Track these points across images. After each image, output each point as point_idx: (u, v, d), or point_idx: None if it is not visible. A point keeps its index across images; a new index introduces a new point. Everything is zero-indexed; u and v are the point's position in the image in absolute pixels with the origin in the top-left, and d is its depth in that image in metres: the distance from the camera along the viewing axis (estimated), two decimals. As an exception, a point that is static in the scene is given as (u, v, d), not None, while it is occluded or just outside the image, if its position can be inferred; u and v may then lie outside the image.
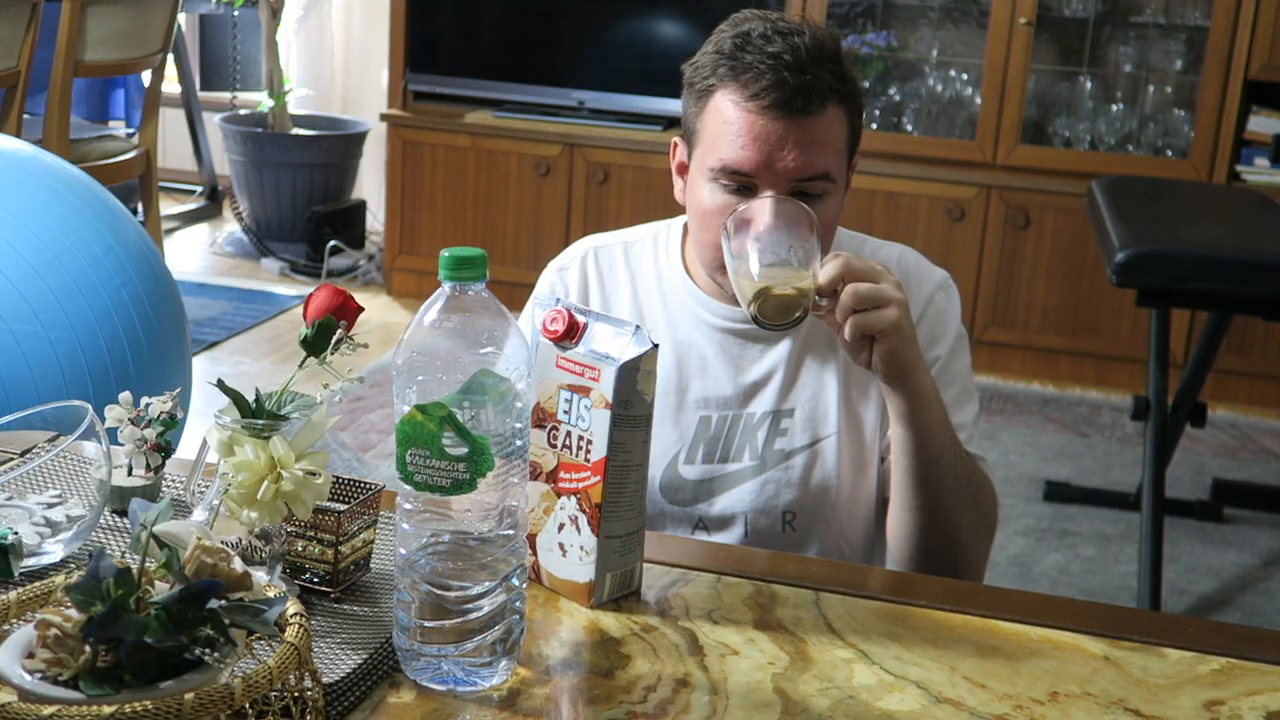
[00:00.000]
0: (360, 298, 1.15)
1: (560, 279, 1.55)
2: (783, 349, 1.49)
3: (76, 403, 1.19)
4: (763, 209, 1.33)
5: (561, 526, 1.16)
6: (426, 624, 1.01)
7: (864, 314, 1.27)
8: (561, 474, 1.16)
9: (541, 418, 1.16)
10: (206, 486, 1.13)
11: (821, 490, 1.49)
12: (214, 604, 0.84)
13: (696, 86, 1.41)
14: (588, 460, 1.14)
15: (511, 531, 1.02)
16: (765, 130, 1.35)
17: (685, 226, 1.53)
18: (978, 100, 4.32)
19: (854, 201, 4.46)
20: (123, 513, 1.25)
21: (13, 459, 1.33)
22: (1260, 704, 1.07)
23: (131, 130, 5.00)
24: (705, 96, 1.40)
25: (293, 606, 0.90)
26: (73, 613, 0.83)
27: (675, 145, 1.49)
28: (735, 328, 1.49)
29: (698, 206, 1.42)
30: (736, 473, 1.48)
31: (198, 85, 5.47)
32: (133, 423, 1.26)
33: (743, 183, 1.38)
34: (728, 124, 1.37)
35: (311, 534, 1.12)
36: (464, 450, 0.98)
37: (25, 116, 3.75)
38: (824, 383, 1.49)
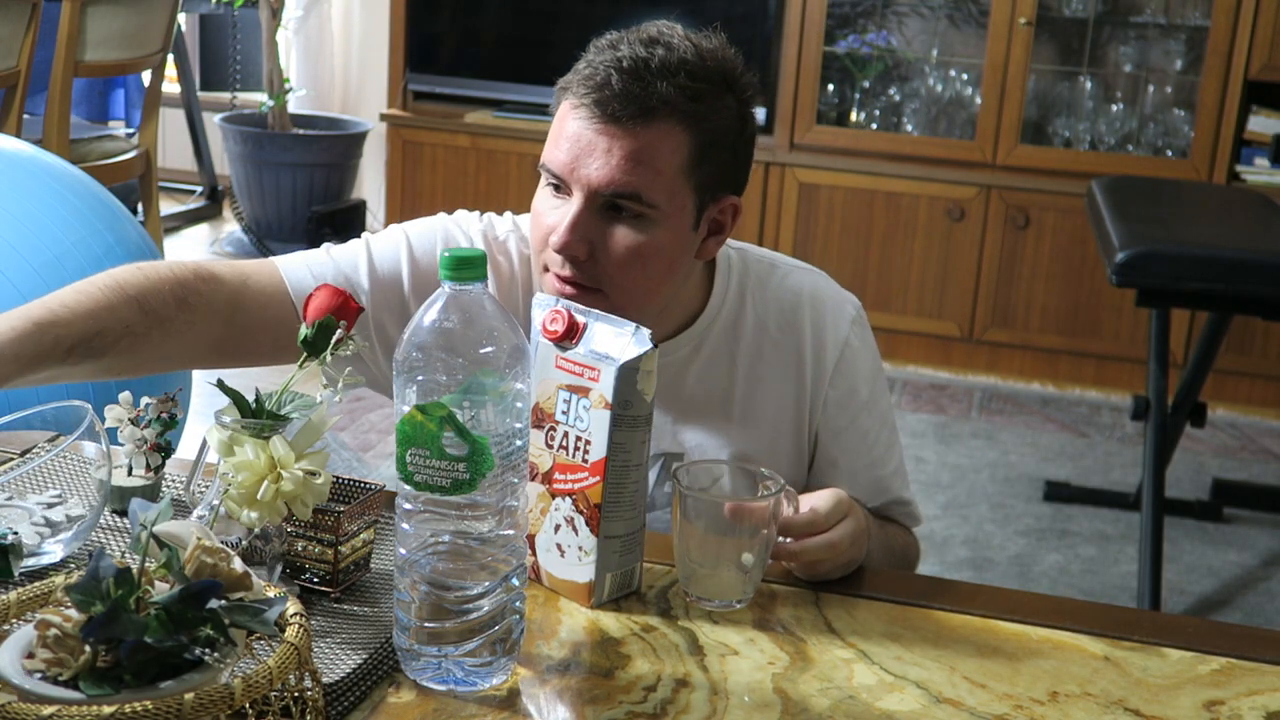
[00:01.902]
0: (360, 298, 1.15)
1: (496, 254, 1.43)
2: (673, 391, 1.40)
3: (76, 403, 1.19)
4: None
5: (558, 527, 1.16)
6: (426, 624, 1.01)
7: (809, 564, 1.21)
8: (556, 475, 1.16)
9: (540, 418, 1.16)
10: (206, 486, 1.13)
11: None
12: (214, 604, 0.84)
13: (559, 84, 1.33)
14: (585, 461, 1.14)
15: (511, 531, 1.02)
16: (577, 133, 1.26)
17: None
18: (978, 100, 4.32)
19: (854, 201, 4.49)
20: (123, 513, 1.25)
21: (13, 459, 1.33)
22: (1260, 704, 1.07)
23: (131, 130, 5.00)
24: (561, 94, 1.31)
25: (293, 606, 0.90)
26: (73, 613, 0.83)
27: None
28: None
29: (534, 206, 1.35)
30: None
31: (198, 85, 5.47)
32: (133, 423, 1.26)
33: (562, 186, 1.29)
34: (557, 122, 1.30)
35: (311, 534, 1.12)
36: (464, 450, 0.98)
37: (25, 116, 3.75)
38: (717, 429, 1.41)
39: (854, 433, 1.45)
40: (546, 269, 1.32)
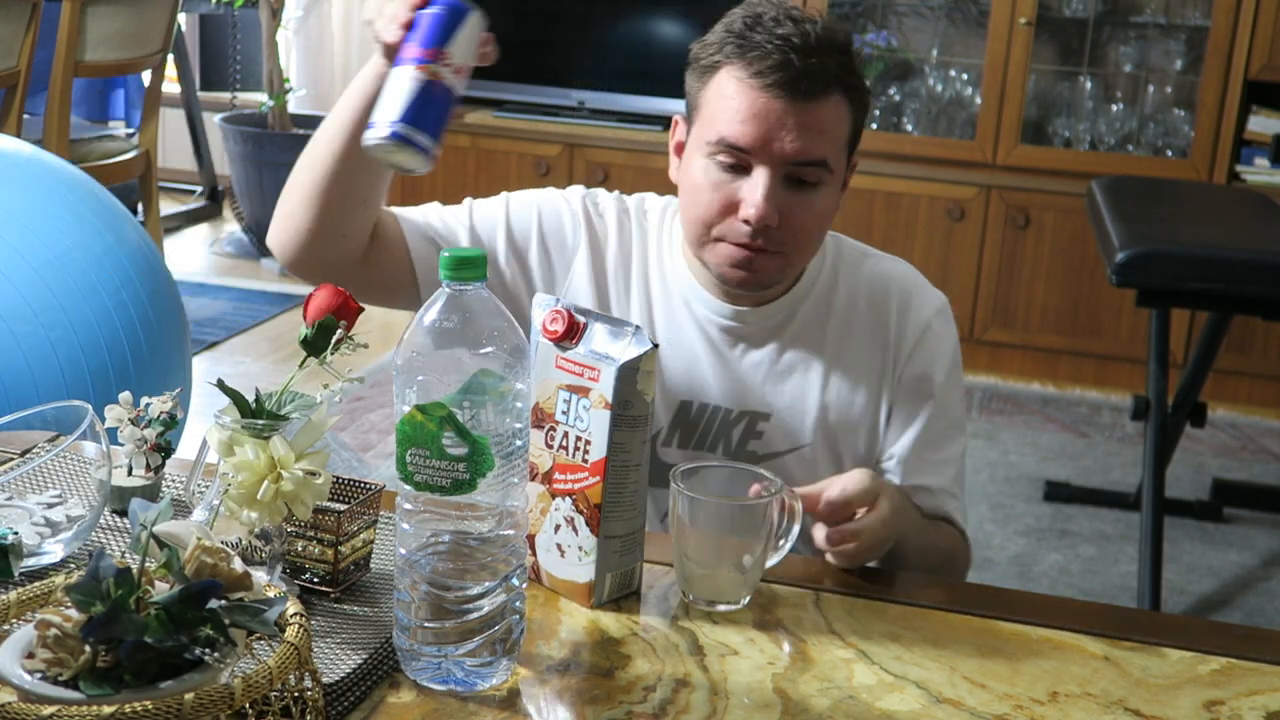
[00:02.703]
0: (360, 298, 1.15)
1: (595, 219, 1.52)
2: (767, 353, 1.48)
3: (76, 403, 1.19)
4: None
5: (558, 527, 1.16)
6: (426, 624, 1.01)
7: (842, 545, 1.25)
8: (556, 475, 1.16)
9: (540, 418, 1.16)
10: (206, 486, 1.13)
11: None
12: (214, 604, 0.84)
13: (702, 62, 1.41)
14: (585, 461, 1.14)
15: (511, 531, 1.02)
16: (766, 108, 1.35)
17: None
18: (978, 100, 4.32)
19: (854, 201, 4.48)
20: (123, 513, 1.25)
21: (13, 459, 1.33)
22: (1260, 704, 1.07)
23: (131, 130, 5.00)
24: (710, 72, 1.40)
25: (293, 606, 0.90)
26: (73, 613, 0.83)
27: (676, 123, 1.49)
28: (722, 323, 1.48)
29: (690, 181, 1.42)
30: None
31: (198, 85, 5.47)
32: (133, 423, 1.26)
33: (739, 160, 1.37)
34: (729, 99, 1.37)
35: (311, 534, 1.12)
36: (464, 450, 0.98)
37: (25, 116, 3.75)
38: (804, 393, 1.48)
39: (920, 413, 1.50)
40: (717, 240, 1.41)
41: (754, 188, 1.36)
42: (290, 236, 1.48)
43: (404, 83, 1.17)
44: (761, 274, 1.42)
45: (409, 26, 1.21)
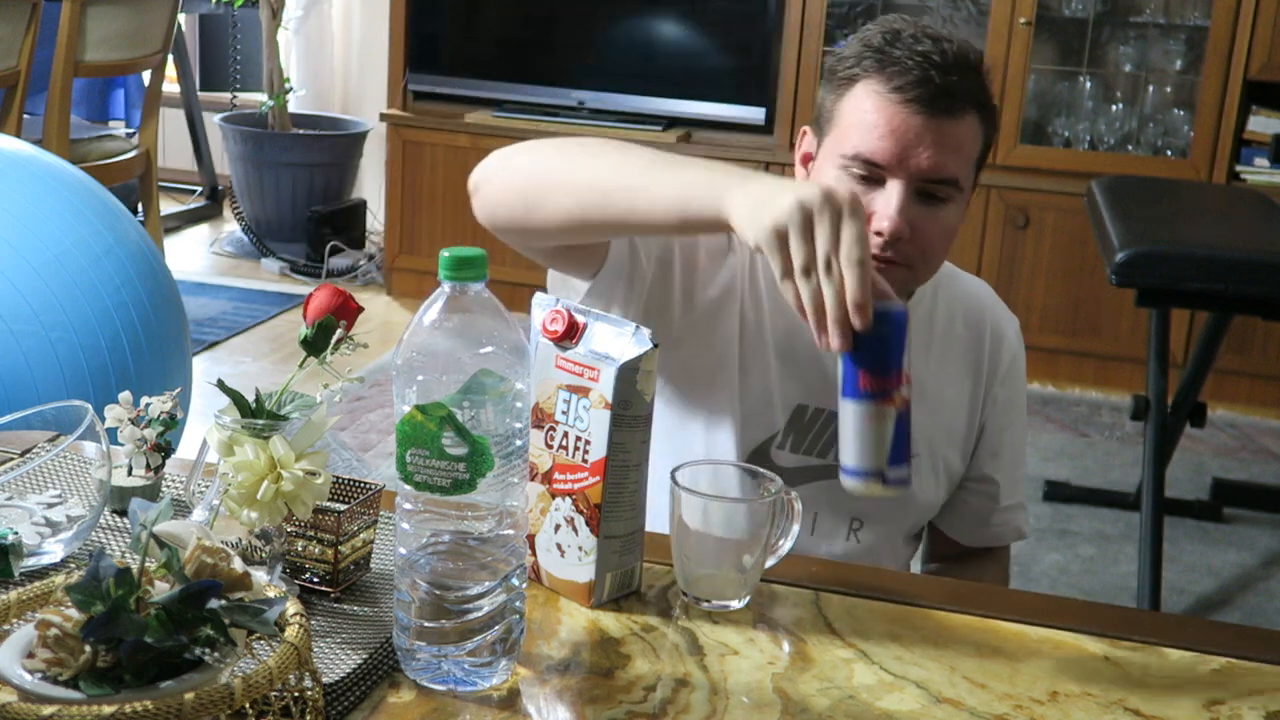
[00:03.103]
0: (360, 298, 1.15)
1: None
2: None
3: (76, 403, 1.19)
4: None
5: (558, 527, 1.16)
6: (426, 624, 1.01)
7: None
8: (556, 475, 1.16)
9: (540, 418, 1.16)
10: (206, 486, 1.13)
11: (897, 512, 1.52)
12: (214, 604, 0.84)
13: (839, 75, 1.40)
14: (585, 461, 1.14)
15: (511, 531, 1.02)
16: (905, 124, 1.35)
17: None
18: (978, 100, 4.31)
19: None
20: (123, 513, 1.25)
21: (13, 459, 1.33)
22: (1260, 704, 1.07)
23: (131, 130, 5.00)
24: (847, 85, 1.39)
25: (293, 606, 0.90)
26: (73, 613, 0.83)
27: (804, 134, 1.48)
28: None
29: None
30: (822, 468, 1.47)
31: (198, 85, 5.47)
32: (133, 423, 1.26)
33: (873, 174, 1.37)
34: (867, 113, 1.37)
35: (311, 534, 1.12)
36: (464, 450, 0.98)
37: (25, 116, 3.75)
38: (914, 403, 1.49)
39: (1013, 432, 1.60)
40: None
41: (888, 200, 1.36)
42: (502, 217, 1.38)
43: (876, 422, 1.04)
44: (894, 286, 1.39)
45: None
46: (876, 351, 1.03)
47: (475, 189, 1.38)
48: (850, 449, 1.06)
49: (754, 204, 1.10)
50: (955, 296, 1.56)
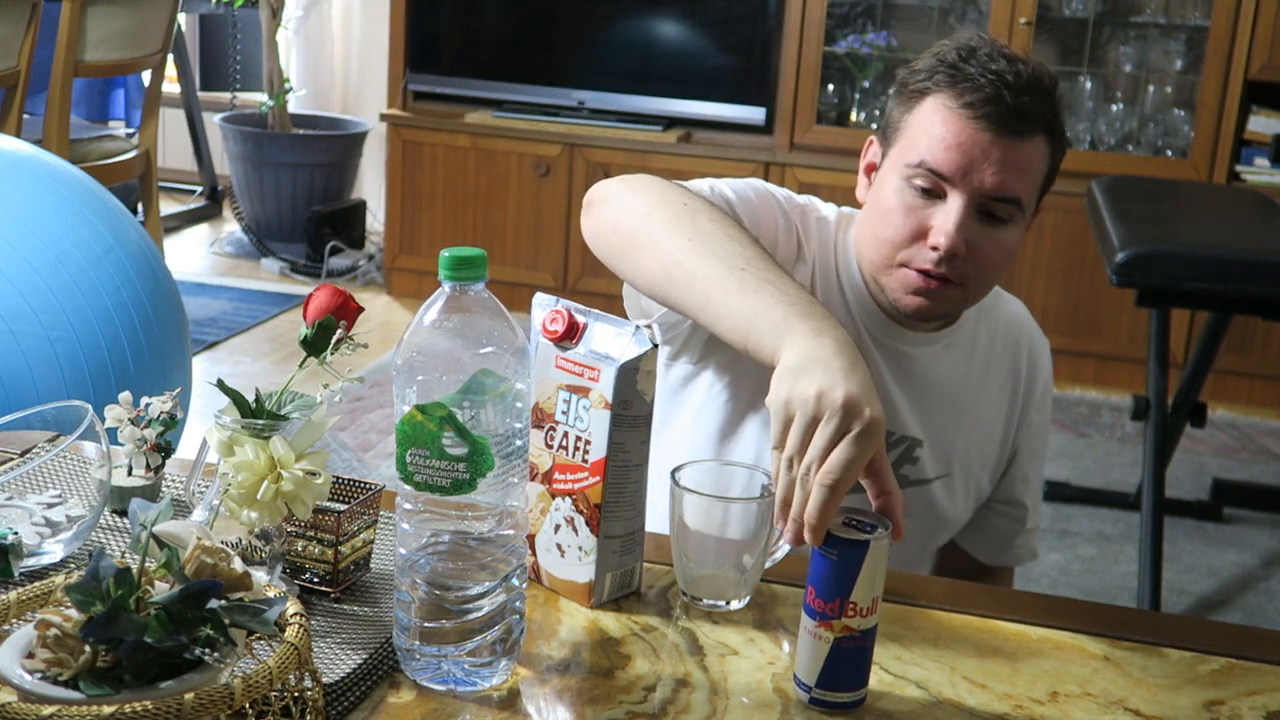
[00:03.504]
0: (360, 298, 1.15)
1: (805, 230, 1.48)
2: (927, 381, 1.49)
3: (76, 403, 1.19)
4: None
5: (558, 527, 1.16)
6: (426, 624, 1.01)
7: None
8: (556, 475, 1.16)
9: (540, 418, 1.16)
10: (206, 486, 1.13)
11: (927, 527, 1.53)
12: (214, 604, 0.84)
13: (910, 87, 1.39)
14: (585, 461, 1.14)
15: (511, 531, 1.02)
16: (972, 139, 1.34)
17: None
18: (978, 100, 4.31)
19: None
20: (123, 513, 1.25)
21: (13, 459, 1.33)
22: (1260, 704, 1.07)
23: (131, 130, 5.00)
24: (918, 98, 1.38)
25: (293, 606, 0.90)
26: (73, 613, 0.83)
27: (870, 143, 1.48)
28: (887, 343, 1.47)
29: (881, 202, 1.41)
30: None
31: (198, 85, 5.47)
32: (133, 423, 1.26)
33: (935, 186, 1.36)
34: (935, 126, 1.36)
35: (311, 534, 1.12)
36: (464, 450, 0.98)
37: (25, 116, 3.75)
38: (951, 424, 1.51)
39: (1040, 458, 1.64)
40: (901, 265, 1.39)
41: (947, 215, 1.35)
42: (599, 248, 1.36)
43: (812, 639, 1.02)
44: (939, 304, 1.40)
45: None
46: (824, 574, 1.01)
47: (588, 207, 1.38)
48: (797, 656, 1.05)
49: (793, 369, 1.07)
50: (998, 320, 1.56)
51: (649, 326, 1.43)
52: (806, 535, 1.02)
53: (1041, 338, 1.61)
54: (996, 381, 1.55)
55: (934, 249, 1.36)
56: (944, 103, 1.36)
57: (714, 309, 1.19)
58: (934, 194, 1.37)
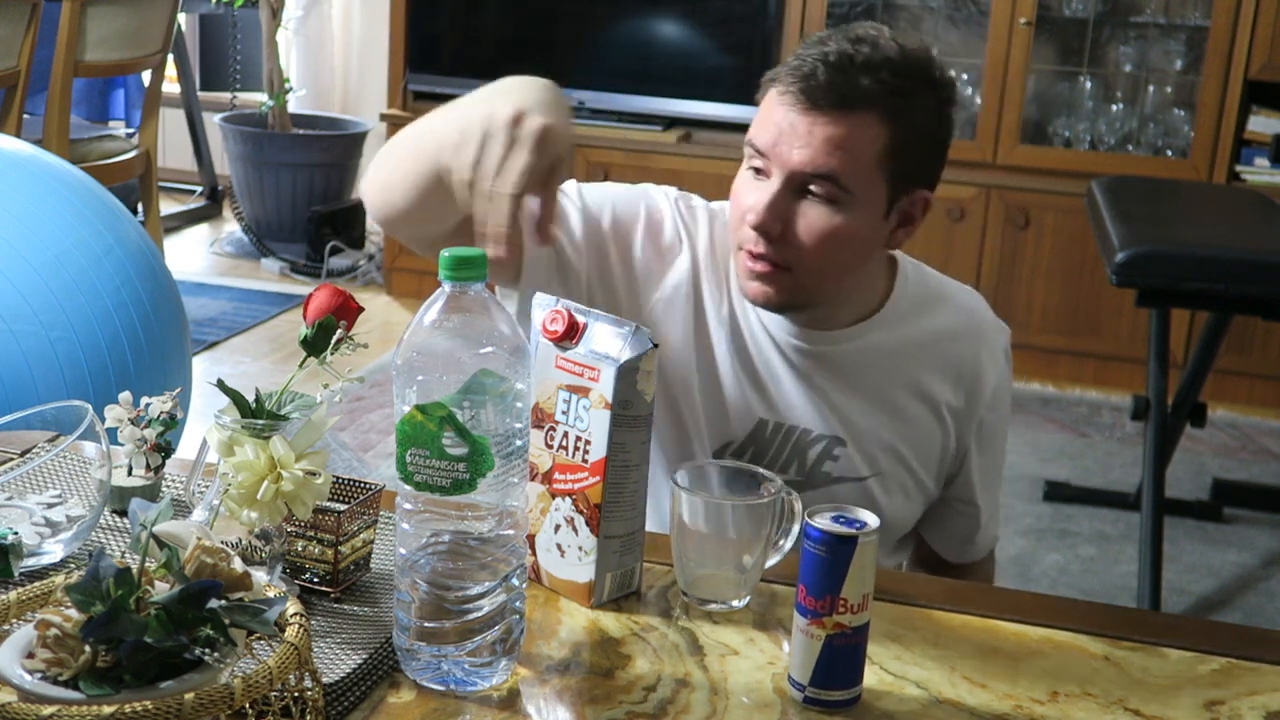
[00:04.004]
0: (360, 298, 1.15)
1: (690, 223, 1.49)
2: (845, 378, 1.47)
3: (76, 403, 1.19)
4: None
5: (558, 527, 1.16)
6: (426, 624, 1.01)
7: None
8: (556, 475, 1.16)
9: (539, 418, 1.16)
10: (206, 486, 1.13)
11: None
12: (214, 604, 0.84)
13: (764, 81, 1.41)
14: (585, 461, 1.14)
15: (511, 531, 1.02)
16: (783, 117, 1.34)
17: None
18: (978, 100, 4.32)
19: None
20: (123, 513, 1.25)
21: (13, 459, 1.33)
22: (1260, 704, 1.07)
23: (131, 130, 5.00)
24: (767, 87, 1.39)
25: (293, 606, 0.90)
26: (73, 613, 0.83)
27: None
28: (795, 344, 1.46)
29: (732, 189, 1.42)
30: (789, 483, 1.44)
31: (198, 85, 5.47)
32: (133, 423, 1.26)
33: (764, 167, 1.36)
34: (762, 108, 1.38)
35: (311, 534, 1.12)
36: (464, 450, 0.98)
37: (25, 116, 3.75)
38: (881, 422, 1.47)
39: (996, 456, 1.59)
40: (740, 247, 1.39)
41: (762, 194, 1.36)
42: (384, 211, 1.40)
43: (805, 637, 1.02)
44: (773, 290, 1.38)
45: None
46: (814, 571, 1.02)
47: (368, 203, 1.41)
48: (791, 656, 1.06)
49: (467, 105, 1.17)
50: (939, 314, 1.51)
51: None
52: (492, 247, 1.10)
53: (997, 330, 1.55)
54: (937, 377, 1.49)
55: (751, 227, 1.36)
56: (774, 88, 1.37)
57: (438, 140, 1.23)
58: (764, 174, 1.37)
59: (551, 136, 1.13)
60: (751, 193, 1.37)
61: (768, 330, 1.46)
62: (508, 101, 1.15)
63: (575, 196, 1.47)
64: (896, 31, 1.39)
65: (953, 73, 1.44)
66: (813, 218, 1.35)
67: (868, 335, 1.47)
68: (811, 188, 1.35)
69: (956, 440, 1.52)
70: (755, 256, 1.37)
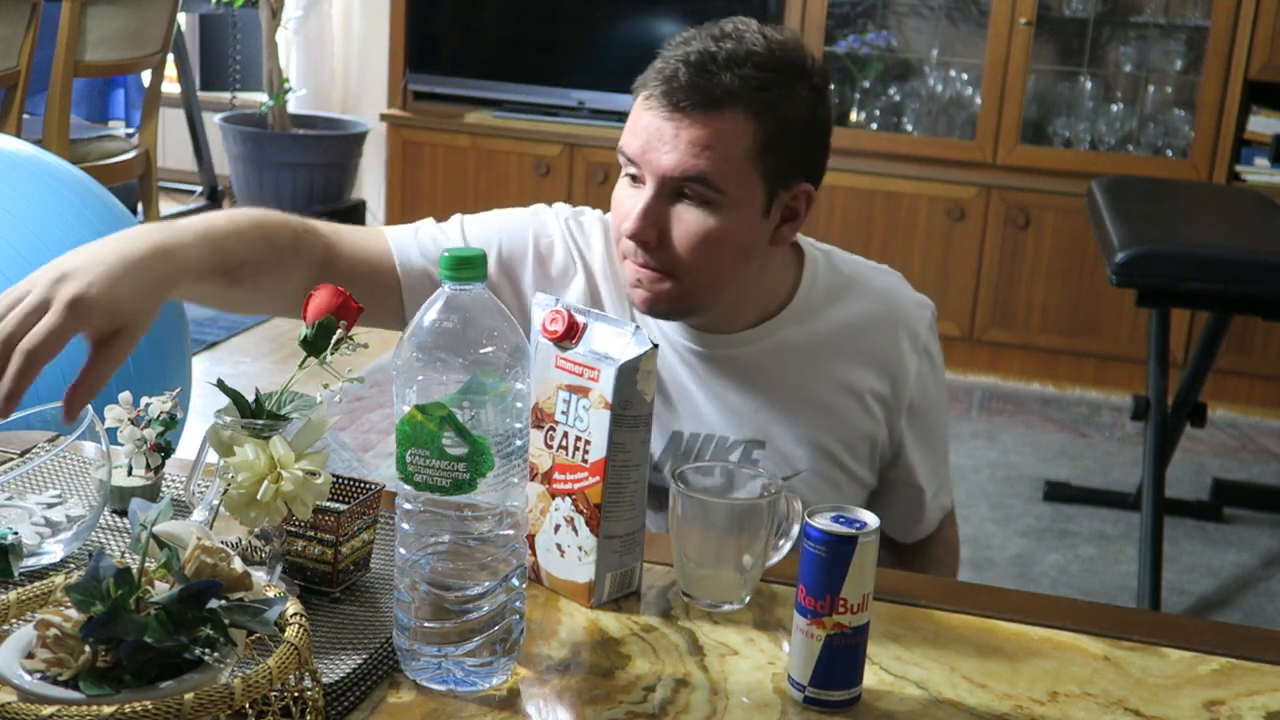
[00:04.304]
0: (360, 298, 1.15)
1: (583, 242, 1.48)
2: (755, 379, 1.44)
3: (76, 403, 1.19)
4: None
5: (558, 528, 1.16)
6: (426, 624, 1.01)
7: None
8: (556, 475, 1.16)
9: (539, 418, 1.16)
10: (206, 486, 1.13)
11: None
12: (214, 604, 0.84)
13: (635, 84, 1.38)
14: (585, 461, 1.14)
15: (511, 531, 1.02)
16: (649, 121, 1.32)
17: None
18: (978, 100, 4.32)
19: (854, 201, 4.49)
20: (123, 513, 1.25)
21: (13, 459, 1.33)
22: (1260, 704, 1.07)
23: (131, 130, 5.00)
24: (638, 92, 1.37)
25: (293, 606, 0.90)
26: (73, 613, 0.83)
27: None
28: (698, 350, 1.44)
29: (613, 198, 1.40)
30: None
31: (198, 85, 5.47)
32: (133, 423, 1.26)
33: (639, 175, 1.34)
34: (632, 114, 1.36)
35: (311, 534, 1.12)
36: (464, 450, 0.98)
37: (25, 116, 3.75)
38: (800, 418, 1.44)
39: (934, 434, 1.54)
40: (625, 257, 1.38)
41: (637, 201, 1.33)
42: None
43: (805, 637, 1.03)
44: (658, 298, 1.36)
45: None
46: (814, 571, 1.02)
47: None
48: (791, 656, 1.06)
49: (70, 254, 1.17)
50: (853, 300, 1.47)
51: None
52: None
53: (917, 309, 1.50)
54: (858, 366, 1.46)
55: (628, 237, 1.34)
56: (641, 94, 1.35)
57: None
58: (639, 181, 1.35)
59: (84, 305, 1.12)
60: (627, 200, 1.36)
61: (669, 339, 1.45)
62: (71, 260, 1.16)
63: (459, 238, 1.47)
64: (765, 24, 1.36)
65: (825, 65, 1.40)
66: (688, 222, 1.33)
67: (776, 333, 1.44)
68: (684, 191, 1.32)
69: (888, 429, 1.49)
70: (637, 265, 1.35)
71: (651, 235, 1.33)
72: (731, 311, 1.42)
